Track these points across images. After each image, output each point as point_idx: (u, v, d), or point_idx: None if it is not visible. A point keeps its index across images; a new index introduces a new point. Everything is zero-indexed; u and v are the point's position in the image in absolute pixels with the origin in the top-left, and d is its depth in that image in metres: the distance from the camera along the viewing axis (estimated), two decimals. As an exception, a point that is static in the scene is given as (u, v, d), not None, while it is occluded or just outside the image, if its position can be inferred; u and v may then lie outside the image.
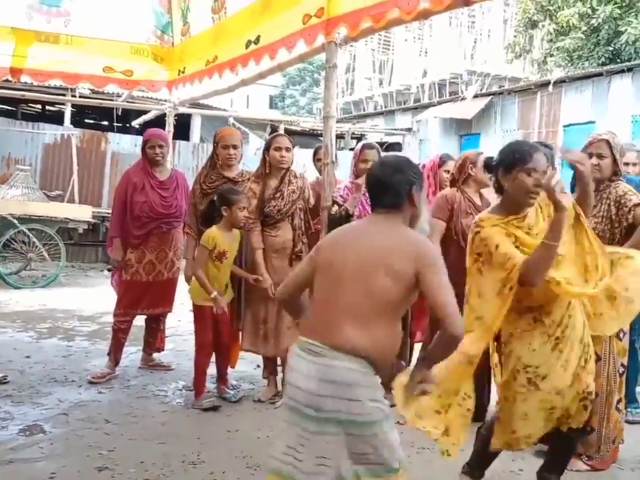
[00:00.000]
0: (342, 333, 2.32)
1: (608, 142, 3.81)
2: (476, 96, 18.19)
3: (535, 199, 2.99)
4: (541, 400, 2.98)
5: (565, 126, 15.55)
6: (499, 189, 3.08)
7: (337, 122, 4.95)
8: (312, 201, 4.94)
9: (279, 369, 4.87)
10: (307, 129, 18.38)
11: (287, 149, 4.73)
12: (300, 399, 2.35)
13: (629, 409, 4.38)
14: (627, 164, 4.77)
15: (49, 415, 4.25)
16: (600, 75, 14.68)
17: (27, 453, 3.64)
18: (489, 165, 3.04)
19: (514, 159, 2.97)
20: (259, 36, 5.40)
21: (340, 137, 17.40)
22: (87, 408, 4.41)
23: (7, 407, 4.36)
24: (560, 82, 15.85)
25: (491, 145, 16.52)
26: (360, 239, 2.47)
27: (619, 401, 3.75)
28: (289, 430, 2.41)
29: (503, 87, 19.34)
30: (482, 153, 4.64)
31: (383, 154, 4.96)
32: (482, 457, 3.33)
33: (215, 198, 4.59)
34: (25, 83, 10.85)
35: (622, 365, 3.78)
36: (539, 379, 2.97)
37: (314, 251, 2.60)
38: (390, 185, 2.51)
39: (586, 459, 3.72)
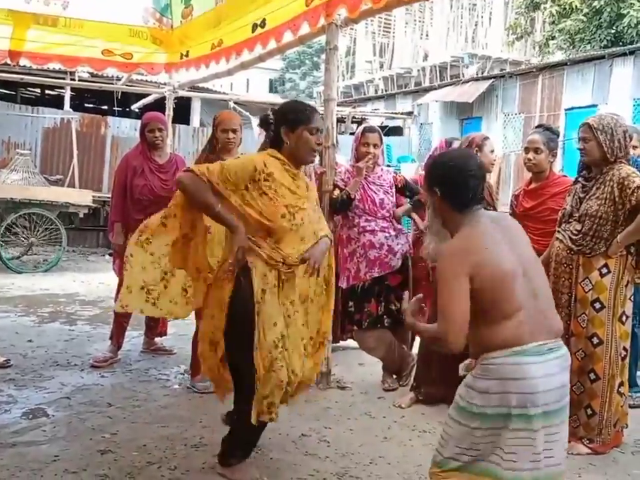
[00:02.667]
0: (555, 321, 2.40)
1: (590, 125, 3.80)
2: (477, 79, 18.10)
3: (315, 157, 3.32)
4: None
5: (566, 109, 15.49)
6: (277, 143, 3.18)
7: (337, 106, 4.92)
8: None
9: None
10: (307, 113, 18.28)
11: None
12: (551, 399, 2.28)
13: (630, 393, 4.40)
14: None
15: (52, 399, 4.26)
16: (602, 57, 14.58)
17: (30, 436, 3.66)
18: (265, 121, 3.21)
19: (298, 118, 3.13)
20: (264, 19, 5.37)
21: (340, 120, 17.33)
22: (90, 392, 4.43)
23: (10, 390, 4.38)
24: (561, 65, 15.77)
25: (492, 129, 16.48)
26: (504, 236, 2.41)
27: (620, 385, 3.76)
28: (537, 440, 2.26)
29: (504, 70, 19.25)
30: (488, 137, 4.58)
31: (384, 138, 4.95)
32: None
33: None
34: (24, 66, 10.84)
35: (624, 348, 3.78)
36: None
37: (462, 276, 2.27)
38: (480, 180, 2.49)
39: (587, 442, 3.74)
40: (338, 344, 5.37)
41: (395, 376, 4.89)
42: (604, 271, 3.74)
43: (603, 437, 3.72)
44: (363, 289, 4.76)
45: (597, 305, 3.74)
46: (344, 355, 5.50)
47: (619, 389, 3.75)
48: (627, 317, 3.79)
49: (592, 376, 3.73)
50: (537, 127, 4.51)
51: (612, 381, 3.71)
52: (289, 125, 3.13)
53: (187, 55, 7.47)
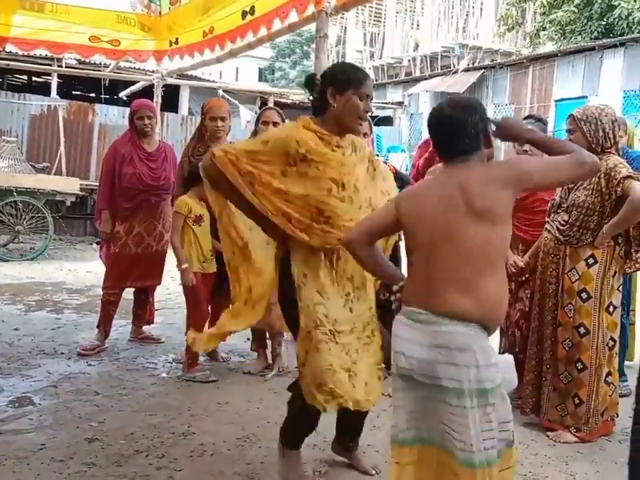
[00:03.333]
0: (447, 301, 2.25)
1: (574, 116, 3.81)
2: (468, 70, 18.09)
3: (362, 125, 2.95)
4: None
5: (556, 101, 15.53)
6: (320, 107, 2.88)
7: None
8: None
9: (268, 342, 4.88)
10: (297, 102, 18.25)
11: (275, 123, 4.64)
12: (415, 368, 2.30)
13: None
14: None
15: (38, 387, 4.23)
16: (592, 49, 14.62)
17: (17, 425, 3.64)
18: (310, 81, 2.91)
19: (349, 79, 2.81)
20: (253, 6, 5.35)
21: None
22: (77, 380, 4.41)
23: (-4, 379, 4.35)
24: (552, 56, 15.79)
25: (481, 119, 16.49)
26: (443, 192, 2.31)
27: (608, 374, 3.77)
28: (406, 398, 2.37)
29: (495, 60, 19.25)
30: None
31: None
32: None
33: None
34: (10, 52, 10.73)
35: (611, 338, 3.79)
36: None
37: (392, 204, 2.49)
38: (468, 127, 2.34)
39: (574, 430, 3.75)
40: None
41: (383, 365, 4.88)
42: (590, 261, 3.74)
43: (590, 426, 3.74)
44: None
45: (584, 295, 3.74)
46: (332, 344, 5.49)
47: (607, 379, 3.77)
48: (615, 308, 3.80)
49: (579, 365, 3.74)
50: (526, 118, 4.50)
51: (599, 371, 3.72)
52: (337, 86, 2.80)
53: (176, 42, 7.42)
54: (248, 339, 5.14)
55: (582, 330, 3.73)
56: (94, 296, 6.80)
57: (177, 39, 7.37)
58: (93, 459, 3.24)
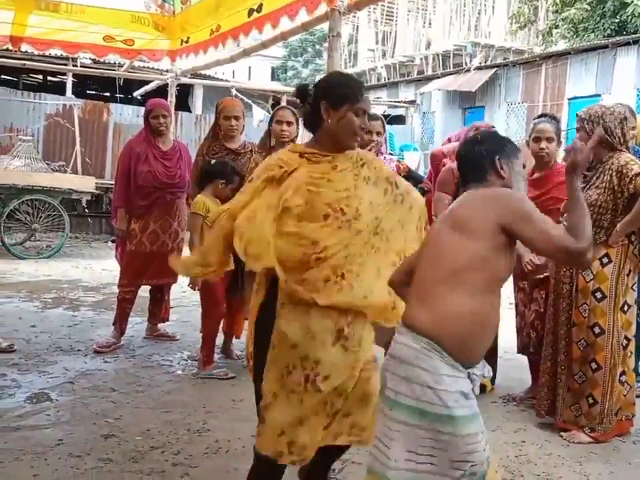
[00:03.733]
0: (408, 309, 2.16)
1: (578, 116, 3.87)
2: (480, 68, 18.03)
3: (358, 142, 2.67)
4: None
5: (569, 99, 15.44)
6: (313, 122, 2.66)
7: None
8: None
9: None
10: (310, 101, 18.26)
11: (289, 123, 4.67)
12: (394, 386, 2.10)
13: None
14: None
15: (55, 384, 4.29)
16: (606, 47, 14.52)
17: (34, 420, 3.68)
18: (302, 92, 2.67)
19: (344, 94, 2.59)
20: (261, 4, 5.37)
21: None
22: (93, 377, 4.45)
23: (14, 375, 4.40)
24: (565, 54, 15.71)
25: (495, 118, 16.42)
26: (444, 224, 2.23)
27: (622, 374, 3.76)
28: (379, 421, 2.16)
29: (508, 59, 19.18)
30: (494, 127, 4.55)
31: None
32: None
33: (218, 166, 4.57)
34: (26, 52, 10.81)
35: (626, 337, 3.79)
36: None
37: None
38: (470, 159, 2.35)
39: (589, 430, 3.74)
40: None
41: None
42: (605, 260, 3.74)
43: (604, 426, 3.72)
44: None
45: (598, 295, 3.74)
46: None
47: (621, 378, 3.76)
48: (629, 307, 3.79)
49: (593, 365, 3.73)
50: (540, 116, 4.49)
51: (613, 370, 3.72)
52: (331, 101, 2.57)
53: (187, 41, 7.45)
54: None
55: (597, 330, 3.72)
56: (110, 294, 6.86)
57: (188, 37, 7.40)
58: (110, 454, 3.28)
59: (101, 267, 8.90)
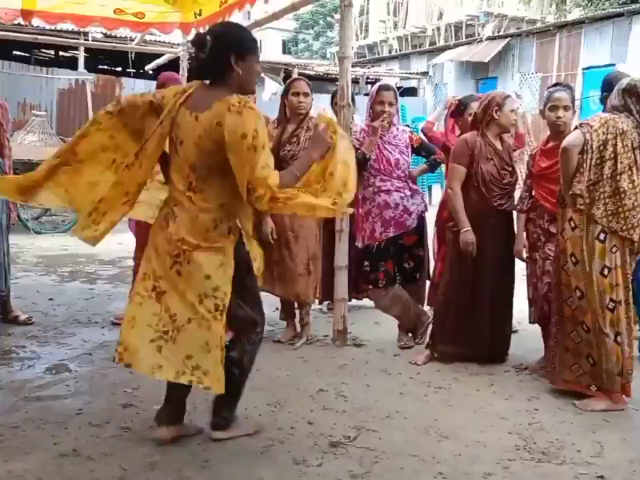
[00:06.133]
0: None
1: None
2: (493, 38, 17.85)
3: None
4: None
5: (584, 69, 15.30)
6: (215, 70, 2.94)
7: (352, 66, 4.86)
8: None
9: (296, 311, 4.95)
10: (321, 73, 18.18)
11: (305, 94, 4.68)
12: None
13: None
14: None
15: (74, 355, 4.37)
16: (621, 15, 14.34)
17: (54, 391, 3.77)
18: (200, 43, 2.89)
19: (250, 46, 2.96)
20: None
21: (354, 81, 17.21)
22: (111, 348, 4.47)
23: (33, 347, 4.50)
24: (579, 23, 15.52)
25: (508, 89, 16.30)
26: None
27: (616, 335, 3.73)
28: None
29: (521, 28, 18.96)
30: (509, 96, 4.46)
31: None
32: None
33: None
34: (37, 27, 10.79)
35: (612, 300, 3.73)
36: None
37: None
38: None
39: (595, 389, 3.77)
40: (353, 303, 5.43)
41: (410, 334, 4.94)
42: (572, 224, 3.77)
43: (606, 387, 3.74)
44: (379, 248, 4.77)
45: (574, 259, 3.76)
46: (360, 314, 5.56)
47: (617, 339, 3.72)
48: (610, 269, 3.71)
49: (584, 327, 3.76)
50: (554, 85, 4.45)
51: (600, 334, 3.70)
52: (242, 51, 2.90)
53: (199, 14, 7.40)
54: (277, 309, 5.22)
55: (578, 293, 3.75)
56: (126, 267, 6.93)
57: (200, 10, 7.35)
58: (129, 423, 3.35)
59: (117, 241, 8.92)
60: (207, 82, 2.96)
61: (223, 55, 2.87)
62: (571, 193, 3.73)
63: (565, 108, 4.18)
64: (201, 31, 7.80)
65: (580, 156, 3.69)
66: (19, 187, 3.08)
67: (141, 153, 2.95)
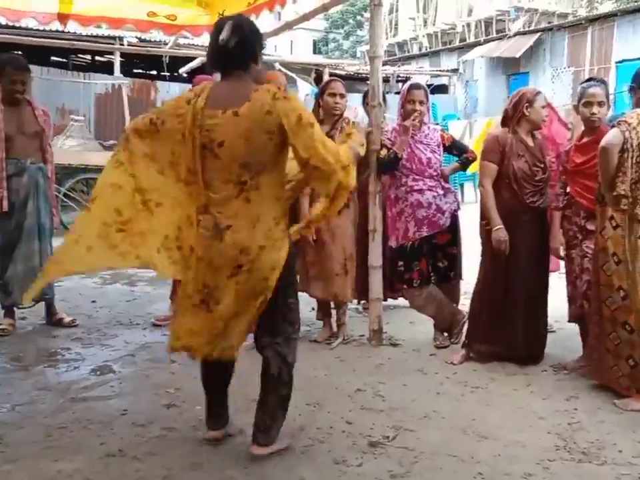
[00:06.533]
0: None
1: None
2: (524, 33, 17.69)
3: None
4: None
5: (617, 62, 15.09)
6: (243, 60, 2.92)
7: (382, 65, 4.86)
8: (362, 151, 4.90)
9: (333, 311, 4.99)
10: (352, 73, 18.19)
11: (341, 95, 4.72)
12: None
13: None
14: None
15: (117, 356, 4.47)
16: (655, 7, 14.12)
17: (99, 392, 3.86)
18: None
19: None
20: (298, -28, 5.35)
21: (385, 80, 17.19)
22: (152, 349, 4.61)
23: (78, 348, 4.61)
24: (612, 16, 15.31)
25: (540, 84, 16.15)
26: None
27: None
28: None
29: (552, 23, 18.75)
30: (540, 92, 4.42)
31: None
32: None
33: None
34: (74, 33, 10.98)
35: None
36: None
37: None
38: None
39: (635, 391, 3.73)
40: (388, 302, 5.46)
41: (445, 333, 4.95)
42: (613, 223, 3.74)
43: None
44: (412, 248, 4.78)
45: (615, 259, 3.74)
46: (395, 313, 5.59)
47: None
48: None
49: (627, 327, 3.73)
50: (588, 80, 4.42)
51: None
52: (262, 48, 3.05)
53: (222, 15, 7.47)
54: (313, 309, 5.27)
55: (622, 293, 3.72)
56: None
57: (224, 10, 7.42)
58: (172, 423, 3.42)
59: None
60: (218, 76, 2.94)
61: (254, 46, 2.90)
62: (615, 194, 3.70)
63: (600, 104, 4.15)
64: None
65: (620, 155, 3.67)
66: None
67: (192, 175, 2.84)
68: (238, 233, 2.78)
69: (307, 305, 5.46)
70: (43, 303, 5.05)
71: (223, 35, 2.78)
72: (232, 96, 2.77)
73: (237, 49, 2.82)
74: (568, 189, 4.32)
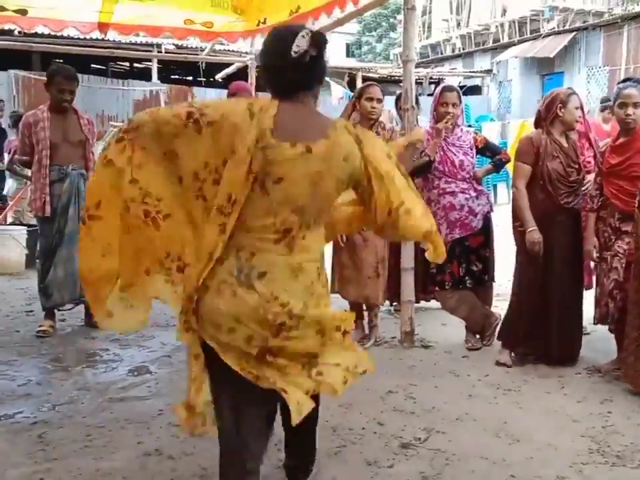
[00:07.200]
0: None
1: None
2: (558, 33, 17.51)
3: None
4: None
5: (654, 61, 14.84)
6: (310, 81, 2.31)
7: (415, 66, 4.86)
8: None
9: (365, 313, 5.01)
10: (385, 76, 18.19)
11: (379, 100, 4.73)
12: None
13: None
14: None
15: (154, 357, 4.57)
16: (693, 4, 13.87)
17: (137, 392, 3.95)
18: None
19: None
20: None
21: (418, 82, 17.16)
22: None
23: (116, 350, 4.72)
24: (649, 14, 15.08)
25: (575, 84, 15.97)
26: None
27: None
28: None
29: (587, 22, 18.52)
30: (574, 93, 4.40)
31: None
32: None
33: None
34: (113, 41, 11.19)
35: None
36: None
37: None
38: None
39: None
40: (420, 304, 5.47)
41: (478, 336, 4.95)
42: None
43: None
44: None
45: None
46: (427, 316, 5.59)
47: None
48: None
49: None
50: (625, 81, 4.38)
51: None
52: None
53: (264, 22, 7.55)
54: (345, 310, 5.29)
55: None
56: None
57: (265, 18, 7.50)
58: (207, 423, 3.49)
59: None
60: (278, 97, 2.23)
61: (325, 63, 2.35)
62: None
63: (635, 105, 4.11)
64: (260, 38, 7.97)
65: None
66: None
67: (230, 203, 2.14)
68: (274, 282, 2.15)
69: (338, 307, 5.50)
70: (82, 305, 5.16)
71: (302, 45, 2.15)
72: (303, 126, 2.18)
73: (313, 65, 2.22)
74: (603, 190, 4.29)
